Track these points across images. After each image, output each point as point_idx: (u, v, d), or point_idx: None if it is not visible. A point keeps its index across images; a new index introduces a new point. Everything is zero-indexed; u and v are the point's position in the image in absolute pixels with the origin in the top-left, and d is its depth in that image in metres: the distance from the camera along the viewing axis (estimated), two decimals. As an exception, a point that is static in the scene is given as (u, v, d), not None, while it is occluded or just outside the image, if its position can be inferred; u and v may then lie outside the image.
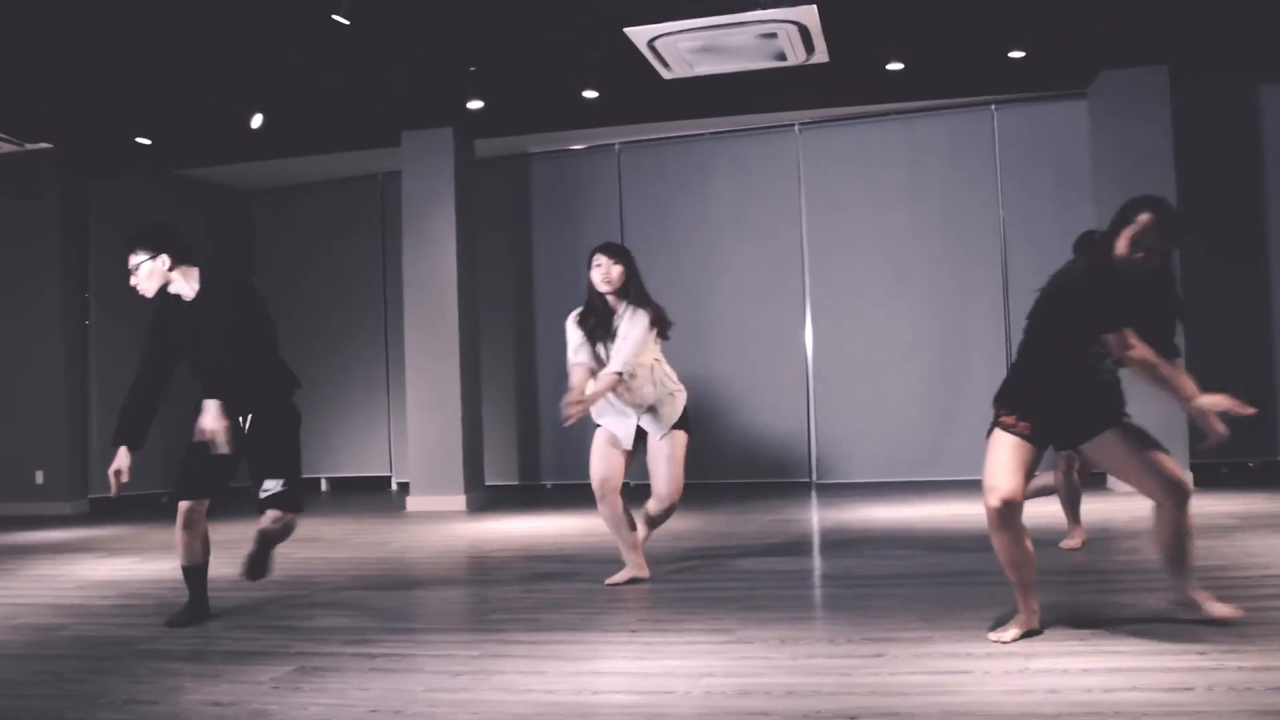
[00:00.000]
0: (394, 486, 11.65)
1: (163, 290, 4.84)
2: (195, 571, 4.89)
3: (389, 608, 5.08)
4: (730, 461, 10.42)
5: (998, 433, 3.90)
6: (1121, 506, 7.44)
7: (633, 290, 5.37)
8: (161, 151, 9.71)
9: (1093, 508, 7.44)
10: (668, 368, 5.55)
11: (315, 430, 11.85)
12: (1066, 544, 5.76)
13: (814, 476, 10.26)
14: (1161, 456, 3.88)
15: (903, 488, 9.50)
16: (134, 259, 4.76)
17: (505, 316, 11.09)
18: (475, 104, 8.37)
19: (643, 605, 4.76)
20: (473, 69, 7.86)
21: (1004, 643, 3.75)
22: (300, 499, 4.84)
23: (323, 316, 11.79)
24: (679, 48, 6.59)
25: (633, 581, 5.27)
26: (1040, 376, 3.93)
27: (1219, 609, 3.89)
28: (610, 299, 5.37)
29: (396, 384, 11.45)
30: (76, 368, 10.54)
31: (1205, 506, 7.15)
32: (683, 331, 10.52)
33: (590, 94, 8.29)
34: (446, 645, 4.10)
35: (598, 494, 5.29)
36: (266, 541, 4.89)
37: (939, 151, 10.06)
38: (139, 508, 10.57)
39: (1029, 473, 3.86)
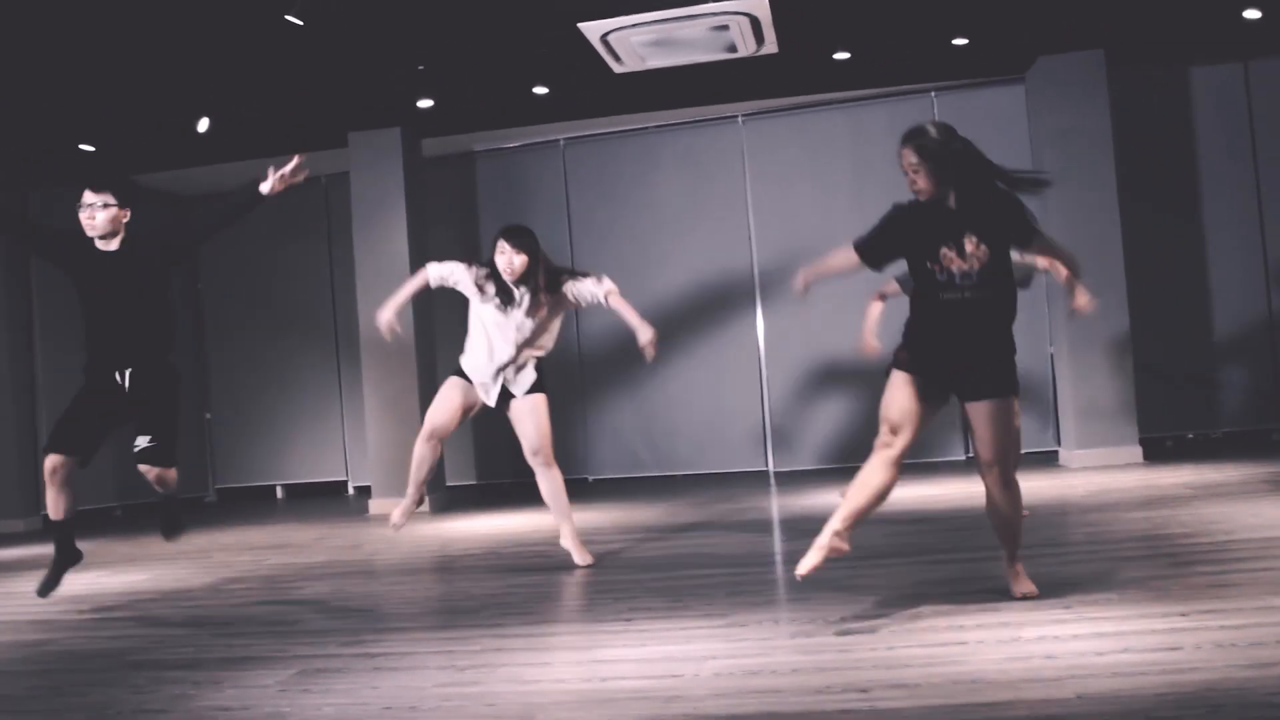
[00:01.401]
0: (351, 490, 11.59)
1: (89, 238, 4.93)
2: (60, 526, 5.16)
3: (375, 608, 5.11)
4: (686, 452, 10.52)
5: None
6: (1079, 481, 7.66)
7: (538, 277, 5.58)
8: (103, 159, 9.56)
9: (1049, 484, 7.67)
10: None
11: (268, 437, 11.76)
12: None
13: (770, 464, 10.38)
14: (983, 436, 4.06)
15: (857, 472, 9.63)
16: (98, 197, 4.85)
17: (455, 314, 11.04)
18: (425, 103, 8.37)
19: (632, 595, 4.82)
20: (421, 68, 7.85)
21: None
22: (171, 454, 5.07)
23: (270, 323, 11.68)
24: (632, 41, 6.66)
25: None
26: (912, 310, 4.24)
27: (1024, 587, 4.12)
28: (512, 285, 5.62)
29: (349, 387, 11.39)
30: (23, 381, 10.35)
31: (1158, 478, 7.40)
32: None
33: (540, 90, 8.32)
34: (444, 642, 4.13)
35: (425, 435, 5.78)
36: (163, 500, 5.31)
37: (882, 138, 10.20)
38: (93, 522, 10.41)
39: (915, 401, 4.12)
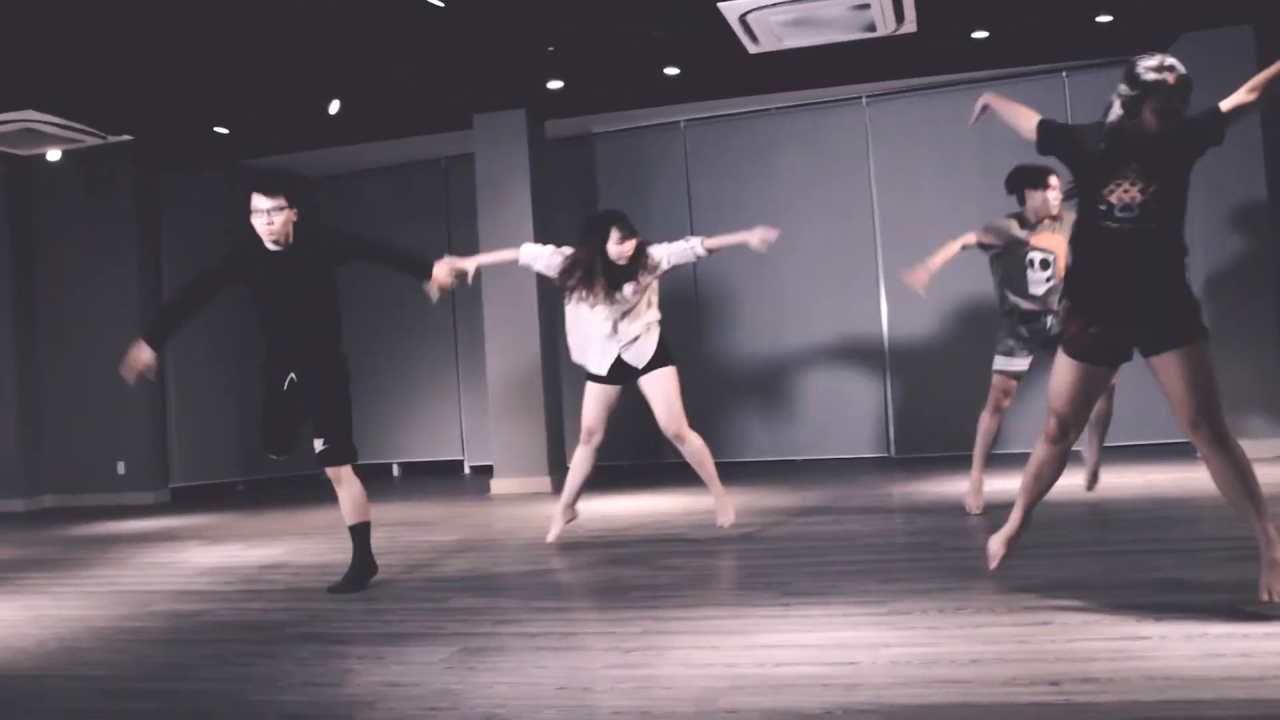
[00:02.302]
0: (467, 470, 11.70)
1: (258, 240, 5.03)
2: (353, 531, 5.18)
3: (522, 586, 5.12)
4: (807, 438, 10.42)
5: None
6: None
7: (642, 258, 5.84)
8: (233, 141, 9.75)
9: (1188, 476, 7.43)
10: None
11: (385, 415, 11.93)
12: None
13: (893, 451, 10.24)
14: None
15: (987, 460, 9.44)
16: (272, 202, 4.94)
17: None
18: (555, 84, 8.36)
19: (782, 579, 4.77)
20: (551, 49, 7.85)
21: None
22: (344, 452, 5.13)
23: (389, 302, 11.83)
24: (771, 21, 6.56)
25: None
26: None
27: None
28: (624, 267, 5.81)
29: (466, 367, 11.50)
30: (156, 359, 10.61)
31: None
32: (754, 309, 10.56)
33: (672, 71, 8.27)
34: (602, 623, 4.12)
35: (582, 439, 6.10)
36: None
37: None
38: (217, 496, 10.70)
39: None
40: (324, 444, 5.11)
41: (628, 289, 5.81)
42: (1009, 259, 6.10)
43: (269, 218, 4.96)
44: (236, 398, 11.21)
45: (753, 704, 2.99)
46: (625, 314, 5.87)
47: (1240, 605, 3.70)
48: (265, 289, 5.11)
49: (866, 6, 6.51)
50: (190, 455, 10.95)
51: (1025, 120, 4.14)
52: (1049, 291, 6.02)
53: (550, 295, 9.82)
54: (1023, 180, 6.09)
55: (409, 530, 7.13)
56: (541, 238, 9.67)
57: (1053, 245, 5.99)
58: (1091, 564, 4.69)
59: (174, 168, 10.61)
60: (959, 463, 9.43)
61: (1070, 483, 7.41)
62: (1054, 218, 6.01)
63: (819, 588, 4.48)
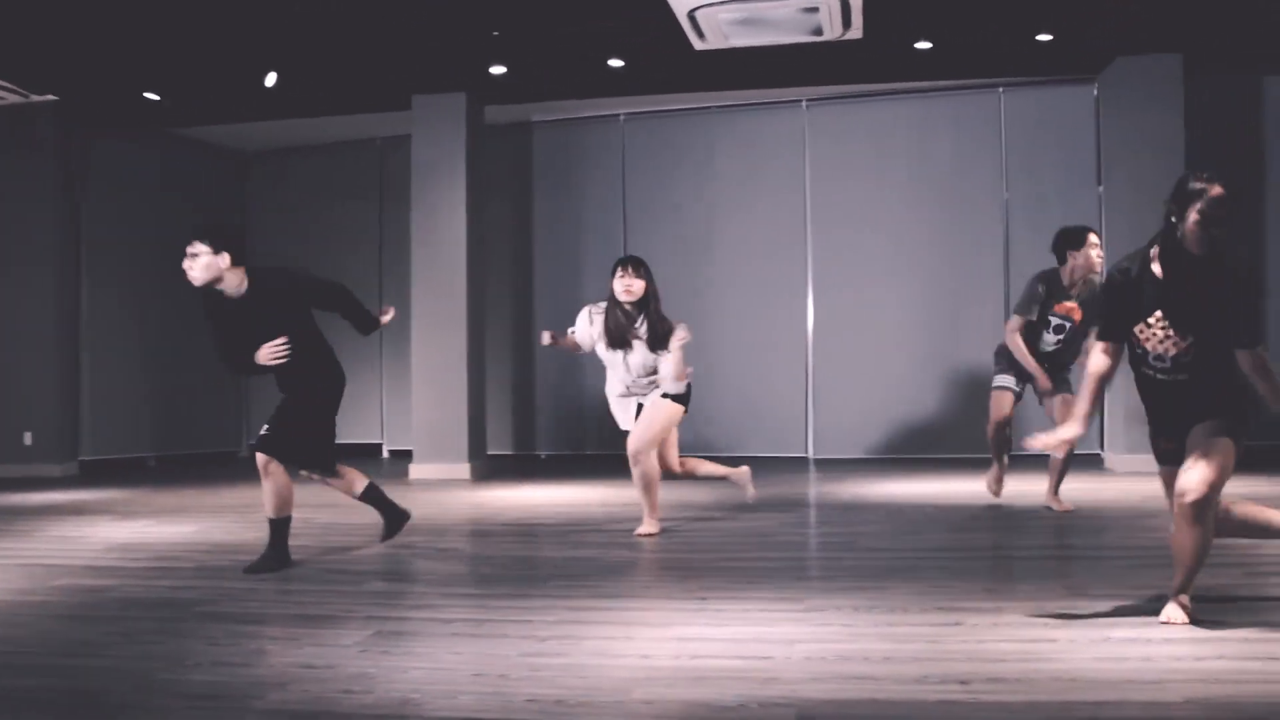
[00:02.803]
0: (386, 454, 11.59)
1: (209, 284, 5.13)
2: (272, 524, 5.18)
3: (438, 572, 5.08)
4: (728, 435, 10.47)
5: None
6: (1131, 486, 7.58)
7: (651, 304, 5.85)
8: (166, 108, 9.54)
9: (1099, 486, 7.62)
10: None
11: (306, 397, 11.75)
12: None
13: (811, 451, 10.34)
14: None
15: (901, 465, 9.61)
16: (197, 248, 5.06)
17: (504, 286, 11.05)
18: (497, 69, 8.30)
19: (699, 574, 4.79)
20: (495, 33, 7.79)
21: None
22: (277, 446, 5.15)
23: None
24: (719, 18, 6.57)
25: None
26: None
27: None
28: (630, 309, 5.83)
29: (390, 351, 11.38)
30: (68, 328, 10.37)
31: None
32: (683, 304, 10.59)
33: (616, 63, 8.26)
34: (518, 611, 4.10)
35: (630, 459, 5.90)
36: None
37: (945, 132, 10.13)
38: (128, 471, 10.46)
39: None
40: (267, 430, 5.14)
41: (637, 351, 5.83)
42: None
43: (189, 261, 5.06)
44: (151, 371, 10.99)
45: (668, 695, 3.00)
46: (649, 370, 5.89)
47: (1141, 611, 3.81)
48: (231, 333, 5.21)
49: (815, 10, 6.55)
50: (101, 428, 10.69)
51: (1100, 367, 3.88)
52: (1055, 353, 6.31)
53: (479, 285, 9.76)
54: (1065, 243, 6.27)
55: (325, 512, 7.03)
56: (475, 223, 9.62)
57: (1071, 313, 6.25)
58: (1002, 568, 4.78)
59: (102, 132, 10.34)
60: (876, 465, 9.58)
61: (981, 489, 7.58)
62: (1096, 273, 6.21)
63: (735, 583, 4.51)
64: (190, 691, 3.18)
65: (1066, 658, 3.30)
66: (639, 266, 5.87)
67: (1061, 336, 6.29)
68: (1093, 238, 6.23)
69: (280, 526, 5.17)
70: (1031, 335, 6.31)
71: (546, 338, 6.02)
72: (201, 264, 5.04)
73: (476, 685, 3.14)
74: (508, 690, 3.09)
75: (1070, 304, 6.26)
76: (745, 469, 6.41)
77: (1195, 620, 3.64)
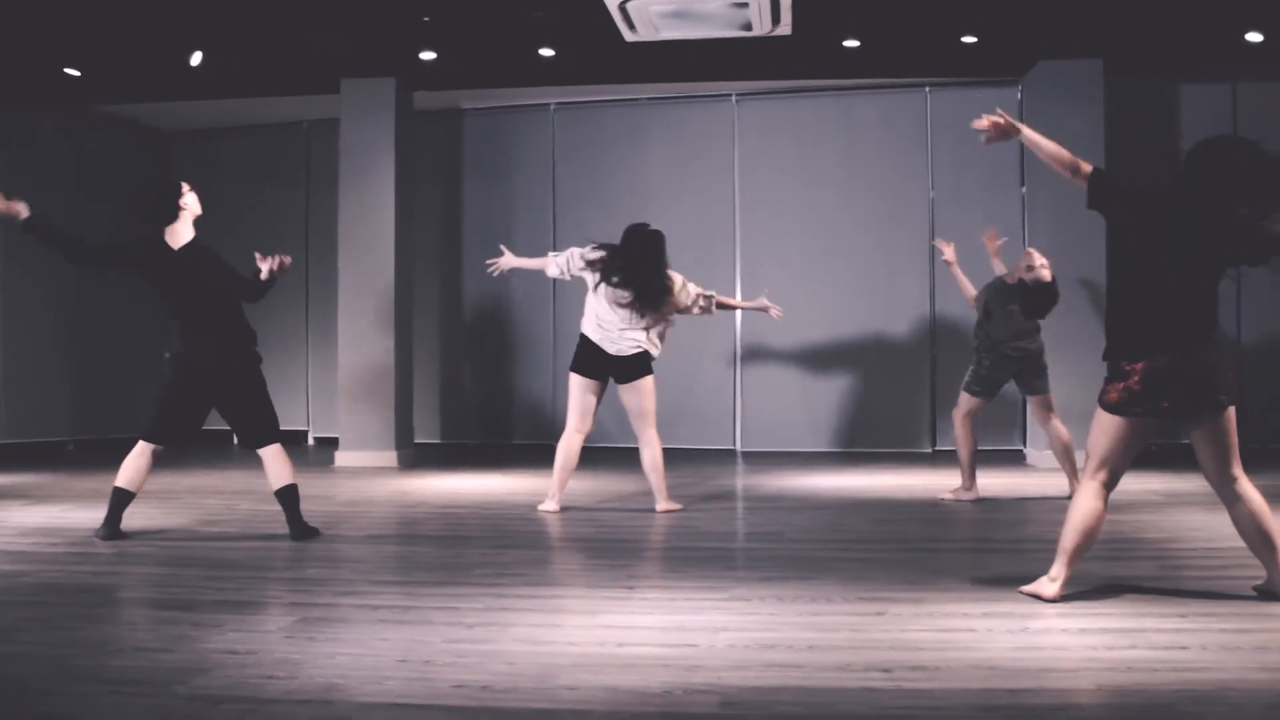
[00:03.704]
0: (311, 441, 11.46)
1: (156, 236, 5.65)
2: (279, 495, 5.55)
3: (363, 559, 5.06)
4: (657, 426, 10.49)
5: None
6: (1052, 481, 7.74)
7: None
8: (86, 84, 9.32)
9: (1021, 482, 7.78)
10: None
11: (229, 382, 11.56)
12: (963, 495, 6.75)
13: (738, 444, 10.42)
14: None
15: (826, 458, 9.72)
16: (191, 193, 5.79)
17: (432, 273, 10.97)
18: (427, 55, 8.23)
19: (626, 563, 4.82)
20: (426, 19, 7.73)
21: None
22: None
23: (239, 264, 11.48)
24: (650, 10, 6.60)
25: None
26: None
27: None
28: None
29: (316, 337, 11.25)
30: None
31: (1130, 484, 7.48)
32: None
33: (547, 52, 8.24)
34: (445, 598, 4.09)
35: (575, 427, 6.45)
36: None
37: (873, 130, 10.25)
38: (45, 455, 10.22)
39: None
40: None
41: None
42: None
43: (190, 197, 5.78)
44: (69, 353, 10.73)
45: (593, 681, 3.02)
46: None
47: (1062, 602, 3.91)
48: (165, 278, 5.64)
49: (745, 5, 6.61)
50: (17, 410, 10.43)
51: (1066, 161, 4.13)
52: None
53: (407, 272, 9.69)
54: None
55: (248, 499, 6.94)
56: (404, 208, 9.53)
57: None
58: (925, 560, 4.86)
59: (17, 107, 10.06)
60: (803, 459, 9.68)
61: (909, 483, 7.70)
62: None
63: (662, 572, 4.55)
64: (111, 677, 3.13)
65: (985, 646, 3.38)
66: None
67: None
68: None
69: (289, 494, 5.59)
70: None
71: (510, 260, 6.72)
72: (194, 201, 5.73)
73: (402, 671, 3.14)
74: (433, 676, 3.09)
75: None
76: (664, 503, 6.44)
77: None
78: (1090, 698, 2.91)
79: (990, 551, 5.23)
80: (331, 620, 3.75)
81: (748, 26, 6.95)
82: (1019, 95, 9.64)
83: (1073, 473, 6.63)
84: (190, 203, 5.71)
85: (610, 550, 5.22)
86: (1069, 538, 3.99)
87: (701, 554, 5.04)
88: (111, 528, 5.46)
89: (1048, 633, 3.54)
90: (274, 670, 3.15)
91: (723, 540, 5.57)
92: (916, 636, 3.50)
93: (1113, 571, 4.49)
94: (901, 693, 2.92)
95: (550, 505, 6.33)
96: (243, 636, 3.55)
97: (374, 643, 3.46)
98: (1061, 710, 2.80)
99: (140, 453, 5.59)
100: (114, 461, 5.83)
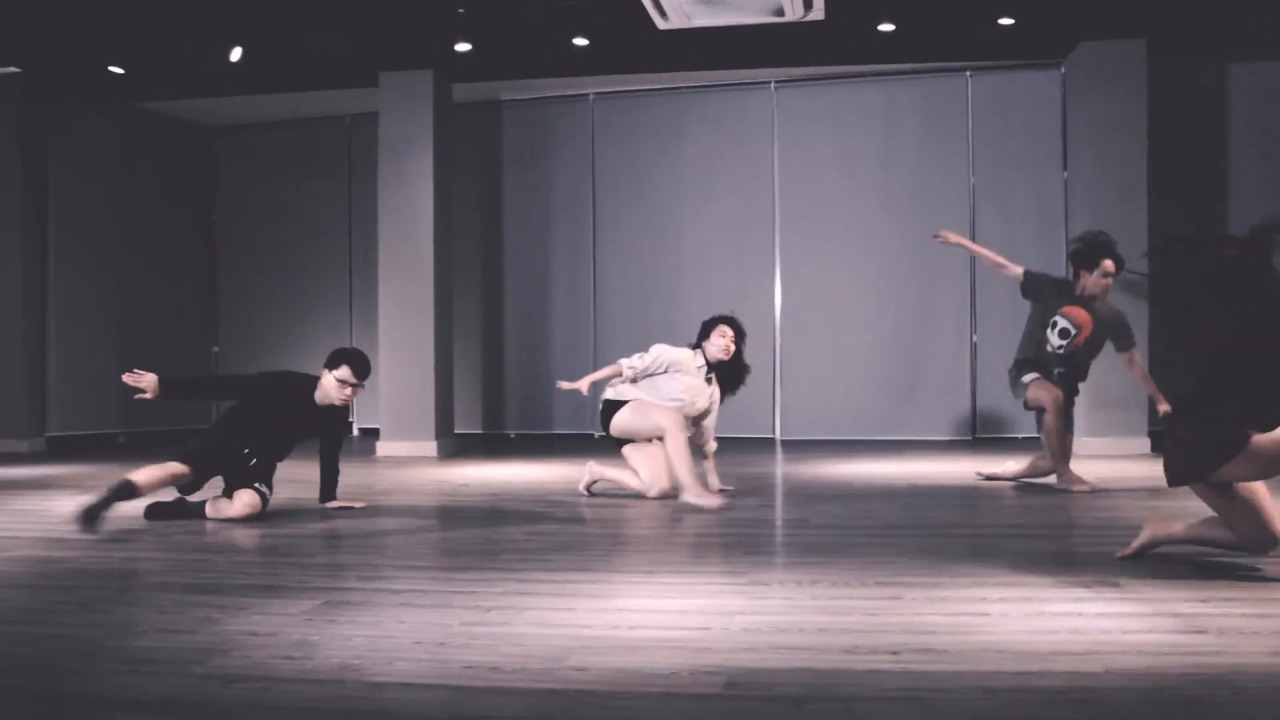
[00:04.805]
0: (355, 432, 11.61)
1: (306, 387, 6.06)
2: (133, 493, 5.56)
3: (395, 546, 5.13)
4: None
5: None
6: (1087, 468, 7.66)
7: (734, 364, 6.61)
8: (130, 82, 9.50)
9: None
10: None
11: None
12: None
13: (778, 433, 10.41)
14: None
15: (865, 446, 9.69)
16: (363, 383, 6.05)
17: (473, 265, 11.07)
18: (462, 46, 8.30)
19: (650, 549, 4.85)
20: (460, 10, 7.80)
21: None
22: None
23: (285, 259, 11.67)
24: (683, -2, 6.62)
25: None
26: None
27: None
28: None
29: (360, 330, 11.40)
30: (35, 303, 10.34)
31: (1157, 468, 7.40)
32: (650, 286, 10.64)
33: (580, 41, 8.28)
34: (468, 583, 4.15)
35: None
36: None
37: (913, 116, 10.18)
38: (97, 447, 10.46)
39: None
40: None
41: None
42: (1042, 312, 6.46)
43: (353, 393, 5.98)
44: (119, 347, 10.97)
45: (601, 663, 3.05)
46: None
47: (1082, 587, 3.88)
48: (276, 415, 5.92)
49: (777, -9, 6.61)
50: (70, 404, 10.68)
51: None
52: (1062, 360, 6.48)
53: (446, 263, 9.78)
54: (1079, 260, 6.41)
55: (286, 488, 7.05)
56: (442, 201, 9.63)
57: (1078, 319, 6.35)
58: (948, 545, 4.84)
59: (65, 105, 10.28)
60: (841, 447, 9.66)
61: (944, 469, 7.66)
62: (1093, 297, 6.39)
63: (684, 558, 4.57)
64: (133, 657, 3.21)
65: (998, 630, 3.36)
66: (738, 328, 6.61)
67: (1065, 342, 6.36)
68: (1107, 264, 6.30)
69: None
70: (1039, 330, 6.41)
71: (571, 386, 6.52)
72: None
73: (415, 652, 3.19)
74: (445, 657, 3.14)
75: (1080, 310, 6.33)
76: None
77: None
78: (1097, 681, 2.89)
79: (1015, 537, 5.20)
80: (353, 604, 3.82)
81: (780, 12, 6.94)
82: (1061, 77, 9.52)
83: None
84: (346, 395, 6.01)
85: (637, 538, 5.26)
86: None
87: (726, 540, 5.06)
88: (99, 512, 5.37)
89: (1063, 616, 3.51)
90: (291, 651, 3.22)
91: (748, 527, 5.57)
92: (929, 620, 3.49)
93: (1140, 556, 4.45)
94: (906, 674, 2.92)
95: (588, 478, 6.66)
96: (265, 619, 3.62)
97: (392, 625, 3.51)
98: (1066, 693, 2.78)
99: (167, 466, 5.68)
100: (162, 453, 5.98)
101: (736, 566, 4.36)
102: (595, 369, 10.95)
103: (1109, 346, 6.59)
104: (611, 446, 6.69)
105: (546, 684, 2.89)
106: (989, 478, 7.05)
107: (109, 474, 8.12)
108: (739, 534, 5.28)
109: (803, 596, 3.84)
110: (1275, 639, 3.23)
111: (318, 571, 4.45)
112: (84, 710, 2.81)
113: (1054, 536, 5.02)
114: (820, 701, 2.73)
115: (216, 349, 11.82)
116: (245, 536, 5.32)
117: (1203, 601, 3.67)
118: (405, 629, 3.46)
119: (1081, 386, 6.83)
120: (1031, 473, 6.87)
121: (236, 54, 8.30)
